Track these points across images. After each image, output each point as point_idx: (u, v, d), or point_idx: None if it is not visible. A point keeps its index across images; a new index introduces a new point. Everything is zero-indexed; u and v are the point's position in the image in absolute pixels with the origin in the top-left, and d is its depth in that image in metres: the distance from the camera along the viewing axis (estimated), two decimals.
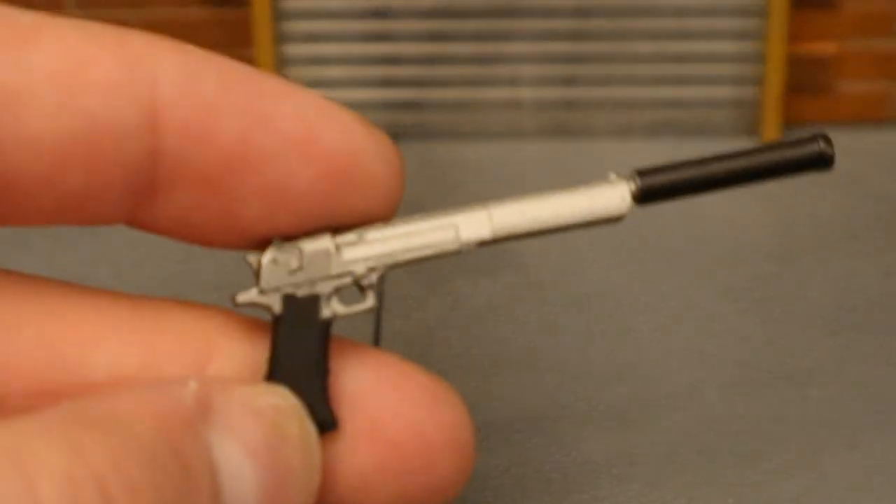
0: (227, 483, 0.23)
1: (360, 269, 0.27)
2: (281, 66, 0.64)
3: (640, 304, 0.45)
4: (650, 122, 0.62)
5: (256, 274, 0.27)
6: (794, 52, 0.59)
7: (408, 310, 0.45)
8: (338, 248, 0.27)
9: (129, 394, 0.22)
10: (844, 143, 0.55)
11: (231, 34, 0.63)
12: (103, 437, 0.21)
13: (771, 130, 0.58)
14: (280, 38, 0.64)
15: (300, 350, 0.27)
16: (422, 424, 0.27)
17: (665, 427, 0.40)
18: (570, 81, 0.64)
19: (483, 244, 0.28)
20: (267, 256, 0.27)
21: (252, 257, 0.27)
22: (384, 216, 0.27)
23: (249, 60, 0.60)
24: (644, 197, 0.28)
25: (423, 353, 0.44)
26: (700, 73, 0.62)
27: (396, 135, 0.62)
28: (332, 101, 0.26)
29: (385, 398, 0.27)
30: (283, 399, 0.25)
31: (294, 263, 0.27)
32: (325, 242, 0.27)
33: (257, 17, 0.61)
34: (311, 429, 0.25)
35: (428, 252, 0.28)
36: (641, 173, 0.28)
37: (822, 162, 0.28)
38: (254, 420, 0.24)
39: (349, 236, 0.27)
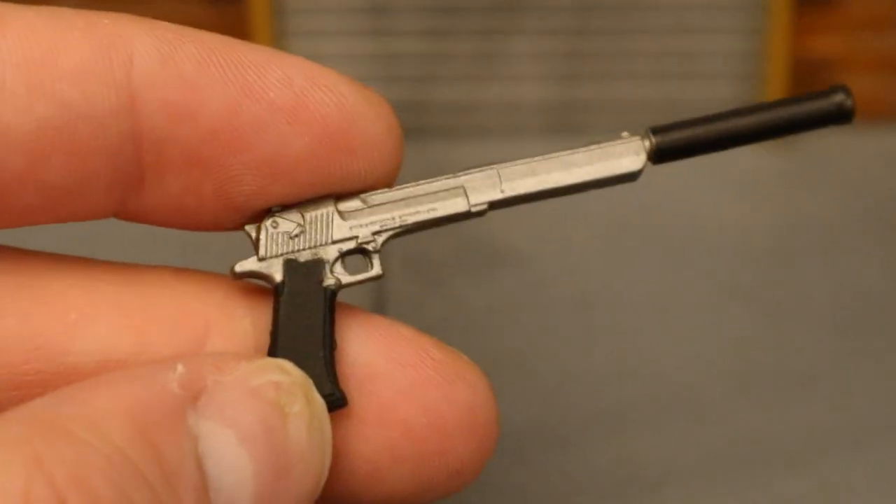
0: (217, 476, 0.22)
1: (364, 233, 0.26)
2: None
3: (642, 304, 0.45)
4: (652, 121, 0.62)
5: (255, 243, 0.26)
6: (798, 50, 0.58)
7: (408, 310, 0.45)
8: (341, 213, 0.26)
9: (104, 386, 0.21)
10: (849, 142, 0.55)
11: (229, 31, 0.63)
12: (67, 446, 0.20)
13: None
14: (279, 35, 0.63)
15: (304, 321, 0.26)
16: (436, 406, 0.26)
17: (666, 429, 0.40)
18: (571, 80, 0.63)
19: (494, 206, 0.27)
20: (267, 222, 0.26)
21: (250, 227, 0.26)
22: (385, 180, 0.26)
23: None
24: (660, 154, 0.27)
25: None
26: (701, 72, 0.62)
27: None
28: (319, 65, 0.25)
29: (396, 377, 0.26)
30: (284, 374, 0.24)
31: (295, 228, 0.26)
32: (327, 207, 0.26)
33: (256, 13, 0.61)
34: (319, 404, 0.24)
35: (436, 215, 0.27)
36: (656, 130, 0.27)
37: (842, 115, 0.27)
38: (250, 401, 0.23)
39: (353, 202, 0.26)
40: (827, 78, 0.59)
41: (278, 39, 0.63)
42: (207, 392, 0.22)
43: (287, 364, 0.24)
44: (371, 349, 0.26)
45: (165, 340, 0.25)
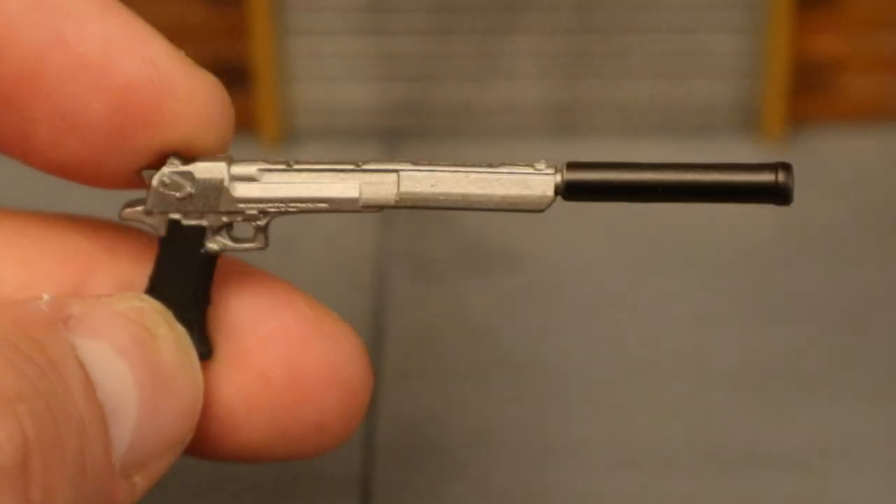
0: (102, 378, 0.23)
1: (250, 210, 0.26)
2: (280, 62, 0.64)
3: (642, 305, 0.45)
4: (652, 121, 0.62)
5: (147, 192, 0.26)
6: (798, 49, 0.58)
7: (408, 310, 0.45)
8: (232, 180, 0.26)
9: None
10: (850, 142, 0.55)
11: (229, 30, 0.63)
12: None
13: (773, 129, 0.58)
14: (279, 35, 0.63)
15: (181, 276, 0.26)
16: (294, 358, 0.26)
17: (667, 429, 0.40)
18: (572, 79, 0.63)
19: (385, 208, 0.26)
20: (157, 178, 0.26)
21: (147, 172, 0.26)
22: (201, 155, 0.26)
23: (246, 55, 0.60)
24: (569, 191, 0.26)
25: (422, 353, 0.43)
26: (701, 72, 0.62)
27: (398, 133, 0.62)
28: (151, 33, 0.25)
29: (258, 326, 0.26)
30: (144, 302, 0.25)
31: (184, 190, 0.26)
32: (220, 171, 0.26)
33: (255, 12, 0.61)
34: (180, 330, 0.25)
35: (324, 207, 0.26)
36: (572, 166, 0.26)
37: (778, 194, 0.25)
38: (118, 321, 0.24)
39: (249, 168, 0.26)
40: (827, 78, 0.59)
41: (278, 39, 0.63)
42: (75, 317, 0.23)
43: (144, 295, 0.25)
44: (240, 299, 0.27)
45: (51, 276, 0.26)
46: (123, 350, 0.23)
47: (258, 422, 0.26)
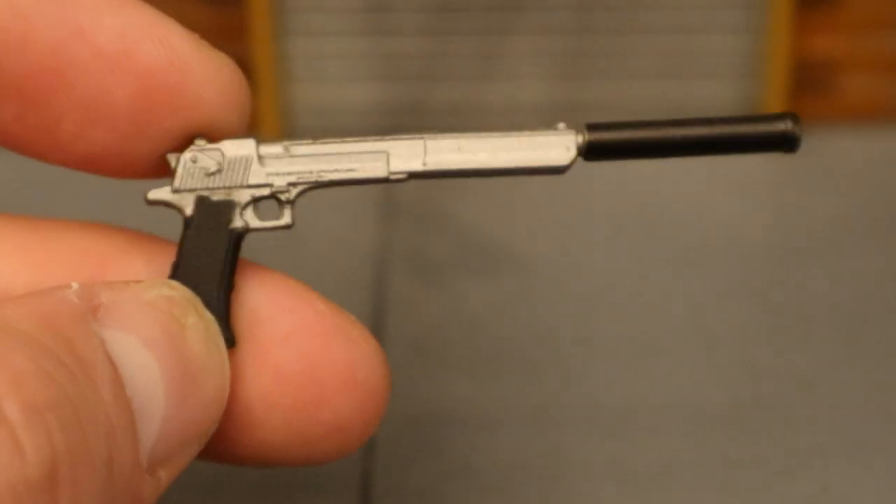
0: (131, 373, 0.22)
1: (280, 182, 0.27)
2: (280, 62, 0.64)
3: (642, 305, 0.45)
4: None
5: (173, 173, 0.26)
6: (798, 49, 0.58)
7: (408, 310, 0.45)
8: (261, 157, 0.26)
9: (8, 302, 0.22)
10: (850, 142, 0.55)
11: (228, 30, 0.63)
12: None
13: None
14: (279, 35, 0.63)
15: (207, 257, 0.26)
16: (314, 357, 0.26)
17: (667, 429, 0.40)
18: (572, 79, 0.63)
19: (414, 176, 0.27)
20: (186, 155, 0.26)
21: (172, 155, 0.26)
22: (222, 137, 0.26)
23: (246, 55, 0.60)
24: (591, 151, 0.27)
25: (422, 353, 0.43)
26: (702, 72, 0.62)
27: (398, 133, 0.62)
28: (163, 17, 0.26)
29: (276, 323, 0.26)
30: (174, 290, 0.25)
31: (213, 166, 0.26)
32: (248, 149, 0.26)
33: (255, 12, 0.61)
34: (209, 318, 0.25)
35: (354, 175, 0.27)
36: (592, 127, 0.27)
37: (787, 142, 0.27)
38: (147, 311, 0.23)
39: (275, 147, 0.27)
40: (827, 78, 0.59)
41: (278, 39, 0.63)
42: (104, 307, 0.23)
43: (173, 282, 0.25)
44: (261, 293, 0.27)
45: (63, 279, 0.26)
46: (152, 342, 0.23)
47: (276, 421, 0.26)
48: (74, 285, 0.23)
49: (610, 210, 0.50)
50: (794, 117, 0.27)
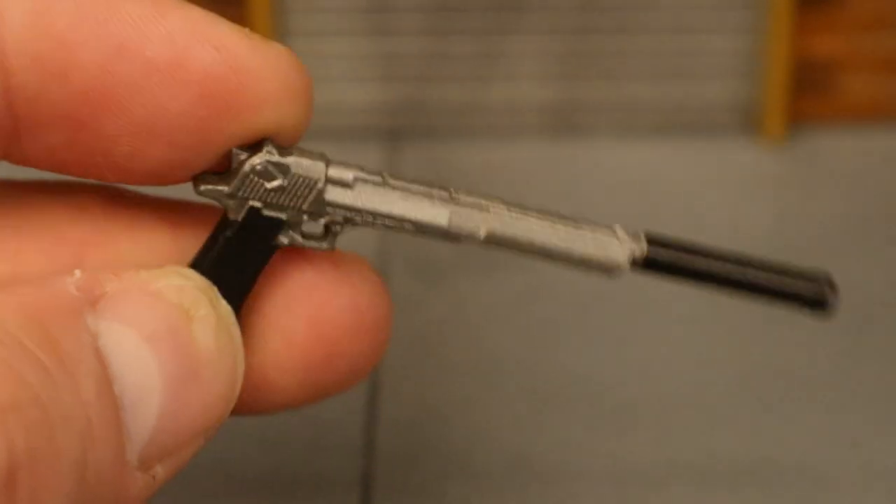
0: (123, 368, 0.22)
1: (337, 216, 0.26)
2: None
3: (643, 305, 0.45)
4: (652, 121, 0.62)
5: (233, 172, 0.25)
6: (798, 50, 0.58)
7: (408, 310, 0.45)
8: (327, 182, 0.25)
9: None
10: (850, 142, 0.55)
11: None
12: None
13: (773, 129, 0.58)
14: (279, 35, 0.63)
15: (239, 263, 0.25)
16: (320, 316, 0.26)
17: (668, 430, 0.40)
18: (572, 79, 0.63)
19: (469, 243, 0.26)
20: (249, 164, 0.25)
21: (238, 151, 0.25)
22: (289, 138, 0.25)
23: None
24: (646, 265, 0.27)
25: (423, 353, 0.43)
26: (701, 72, 0.62)
27: (398, 133, 0.62)
28: (212, 18, 0.24)
29: (280, 292, 0.26)
30: (187, 279, 0.24)
31: (276, 182, 0.25)
32: (318, 172, 0.25)
33: (256, 12, 0.61)
34: (225, 308, 0.24)
35: (409, 228, 0.26)
36: (652, 241, 0.27)
37: (818, 304, 0.27)
38: (152, 302, 0.23)
39: (344, 173, 0.26)
40: (827, 78, 0.59)
41: (278, 39, 0.63)
42: (106, 297, 0.22)
43: (188, 270, 0.24)
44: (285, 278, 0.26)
45: (41, 265, 0.25)
46: (152, 337, 0.22)
47: (290, 381, 0.26)
48: (77, 272, 0.22)
49: (610, 210, 0.50)
50: (830, 283, 0.27)
